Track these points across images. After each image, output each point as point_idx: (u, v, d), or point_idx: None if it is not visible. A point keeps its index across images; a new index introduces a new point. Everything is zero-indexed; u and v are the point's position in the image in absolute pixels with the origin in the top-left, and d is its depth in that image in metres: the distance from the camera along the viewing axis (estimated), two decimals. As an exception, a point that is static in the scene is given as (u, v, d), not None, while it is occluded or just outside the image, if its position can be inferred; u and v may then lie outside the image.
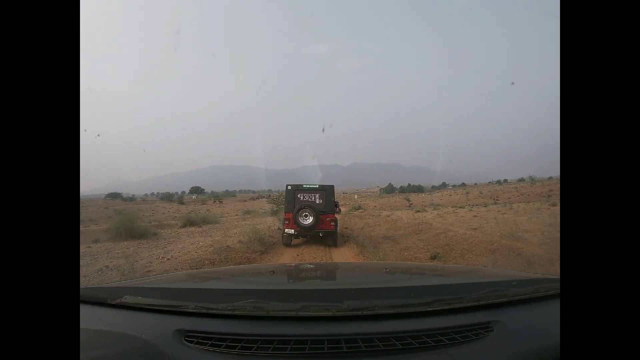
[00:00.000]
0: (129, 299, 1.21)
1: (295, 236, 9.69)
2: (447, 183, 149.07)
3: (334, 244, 9.56)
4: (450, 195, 62.05)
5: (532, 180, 62.26)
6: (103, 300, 1.24)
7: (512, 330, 1.01)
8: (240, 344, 0.94)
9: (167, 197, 76.52)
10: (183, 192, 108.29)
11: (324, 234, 9.40)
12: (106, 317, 1.17)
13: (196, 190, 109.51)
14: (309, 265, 3.43)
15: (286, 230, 9.59)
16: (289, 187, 9.97)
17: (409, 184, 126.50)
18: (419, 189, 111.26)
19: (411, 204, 46.77)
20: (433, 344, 0.94)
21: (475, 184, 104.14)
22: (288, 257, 8.51)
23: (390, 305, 1.10)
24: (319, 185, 10.03)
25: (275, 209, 26.56)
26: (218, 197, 78.26)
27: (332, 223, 9.46)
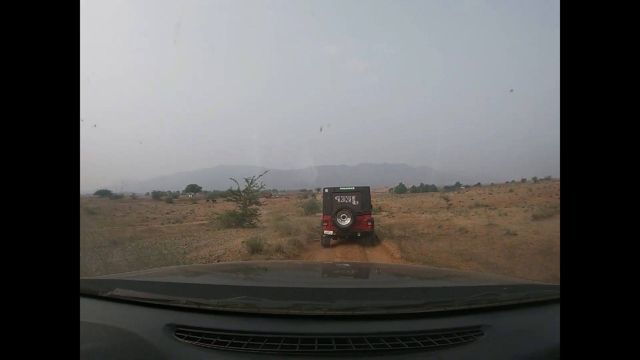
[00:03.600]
0: (120, 292, 1.21)
1: (334, 237, 9.82)
2: (460, 183, 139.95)
3: (372, 244, 9.64)
4: (490, 193, 51.91)
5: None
6: (94, 292, 1.24)
7: (502, 335, 1.00)
8: (230, 340, 0.93)
9: (156, 196, 73.33)
10: (183, 191, 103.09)
11: (361, 234, 9.55)
12: (97, 310, 1.16)
13: (192, 188, 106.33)
14: (302, 264, 3.60)
15: (325, 231, 9.68)
16: (326, 190, 10.29)
17: (422, 184, 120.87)
18: (432, 189, 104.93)
19: (450, 204, 36.15)
20: (423, 345, 0.94)
21: (492, 183, 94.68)
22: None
23: (381, 306, 1.11)
24: (355, 187, 10.15)
25: (239, 212, 16.91)
26: (212, 197, 74.08)
27: (369, 223, 9.63)
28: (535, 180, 64.81)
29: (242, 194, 17.74)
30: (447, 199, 38.48)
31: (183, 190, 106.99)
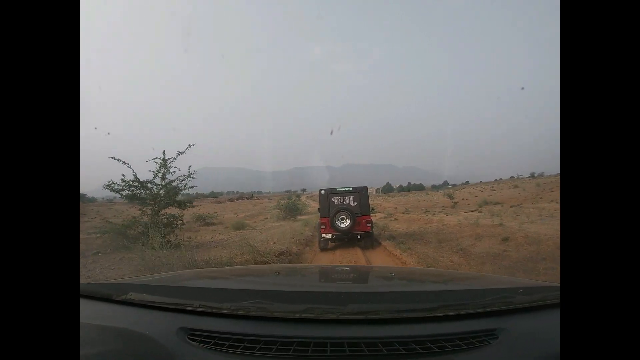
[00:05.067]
0: (134, 296, 1.21)
1: (332, 240, 9.34)
2: (448, 181, 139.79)
3: (371, 245, 9.27)
4: (493, 190, 47.29)
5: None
6: (108, 296, 1.26)
7: (517, 338, 0.99)
8: (243, 344, 0.94)
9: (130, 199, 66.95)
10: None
11: (361, 235, 9.15)
12: (111, 314, 1.18)
13: None
14: (314, 267, 3.51)
15: (323, 235, 9.16)
16: (323, 192, 9.74)
17: (409, 183, 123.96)
18: (420, 188, 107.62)
19: (456, 203, 31.19)
20: (437, 349, 0.92)
21: (481, 181, 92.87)
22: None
23: (394, 310, 1.09)
24: (352, 187, 9.74)
25: (145, 222, 9.49)
26: (189, 200, 69.44)
27: (369, 224, 9.26)
28: (533, 175, 61.29)
29: (148, 187, 9.84)
30: (451, 197, 33.44)
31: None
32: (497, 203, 28.34)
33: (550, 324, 1.05)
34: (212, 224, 22.11)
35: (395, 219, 19.54)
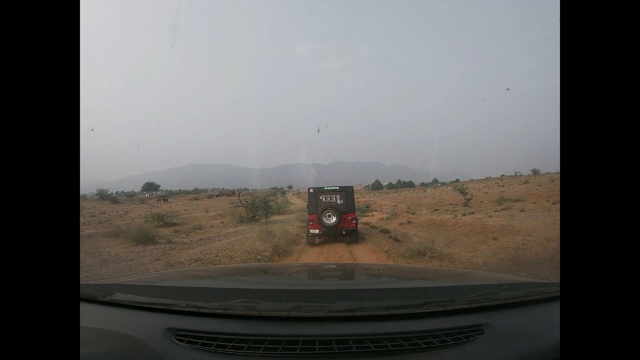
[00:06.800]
0: (119, 297, 1.20)
1: (319, 235, 9.93)
2: (437, 179, 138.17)
3: (356, 241, 9.88)
4: (501, 185, 43.67)
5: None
6: (94, 297, 1.23)
7: (502, 333, 1.00)
8: (231, 344, 0.94)
9: (102, 196, 69.65)
10: (140, 190, 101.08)
11: (346, 232, 9.74)
12: (97, 314, 1.15)
13: (149, 187, 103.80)
14: (301, 266, 3.56)
15: (311, 230, 9.78)
16: (312, 190, 10.35)
17: (398, 180, 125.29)
18: (409, 185, 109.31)
19: (469, 199, 26.39)
20: (424, 345, 0.94)
21: (471, 179, 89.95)
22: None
23: (382, 307, 1.10)
24: (339, 186, 10.36)
25: None
26: (164, 197, 74.01)
27: (354, 221, 9.83)
28: (535, 172, 57.79)
29: None
30: (463, 193, 28.62)
31: (140, 190, 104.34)
32: (517, 200, 23.61)
33: (535, 319, 1.08)
34: (173, 224, 17.97)
35: (409, 222, 14.33)
